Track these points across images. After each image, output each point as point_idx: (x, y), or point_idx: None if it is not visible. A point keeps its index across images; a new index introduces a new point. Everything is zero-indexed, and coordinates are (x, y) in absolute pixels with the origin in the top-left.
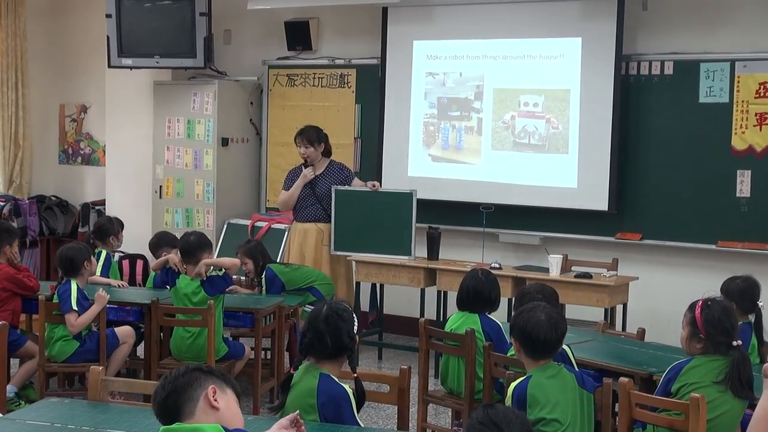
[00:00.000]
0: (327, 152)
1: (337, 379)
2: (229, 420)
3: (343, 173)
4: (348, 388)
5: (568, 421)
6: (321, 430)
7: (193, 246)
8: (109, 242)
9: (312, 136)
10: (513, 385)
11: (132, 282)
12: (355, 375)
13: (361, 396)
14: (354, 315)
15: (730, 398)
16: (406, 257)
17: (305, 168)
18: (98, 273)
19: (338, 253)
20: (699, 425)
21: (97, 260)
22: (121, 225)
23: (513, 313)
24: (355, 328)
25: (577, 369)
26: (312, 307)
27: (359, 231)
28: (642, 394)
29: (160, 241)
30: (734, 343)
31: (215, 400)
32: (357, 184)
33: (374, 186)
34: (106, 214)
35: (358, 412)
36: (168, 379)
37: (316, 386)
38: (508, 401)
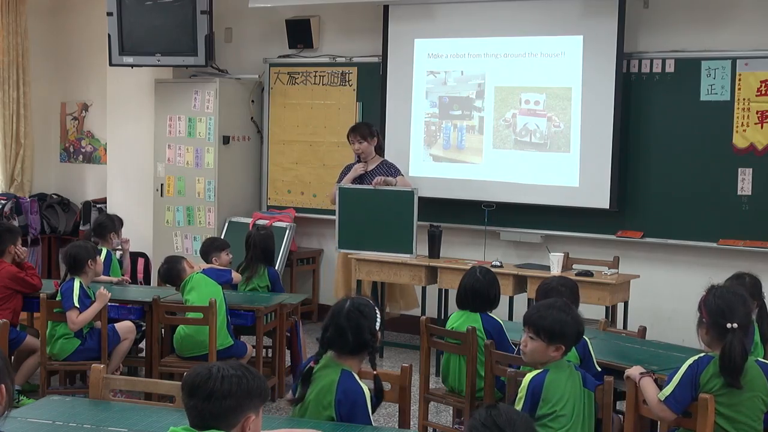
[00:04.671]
0: (380, 150)
1: (357, 377)
2: None
3: (391, 170)
4: (366, 388)
5: (573, 418)
6: (334, 429)
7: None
8: (108, 239)
9: (364, 131)
10: (530, 376)
11: (133, 280)
12: (375, 373)
13: (379, 394)
14: (377, 312)
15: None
16: (408, 255)
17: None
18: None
19: (342, 251)
20: (707, 425)
21: None
22: (120, 222)
23: (534, 307)
24: (377, 325)
25: (595, 360)
26: None
27: (362, 229)
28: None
29: (211, 247)
30: (729, 325)
31: (249, 428)
32: (401, 183)
33: (378, 183)
34: (107, 212)
35: (374, 412)
36: (218, 390)
37: (337, 381)
38: (523, 391)
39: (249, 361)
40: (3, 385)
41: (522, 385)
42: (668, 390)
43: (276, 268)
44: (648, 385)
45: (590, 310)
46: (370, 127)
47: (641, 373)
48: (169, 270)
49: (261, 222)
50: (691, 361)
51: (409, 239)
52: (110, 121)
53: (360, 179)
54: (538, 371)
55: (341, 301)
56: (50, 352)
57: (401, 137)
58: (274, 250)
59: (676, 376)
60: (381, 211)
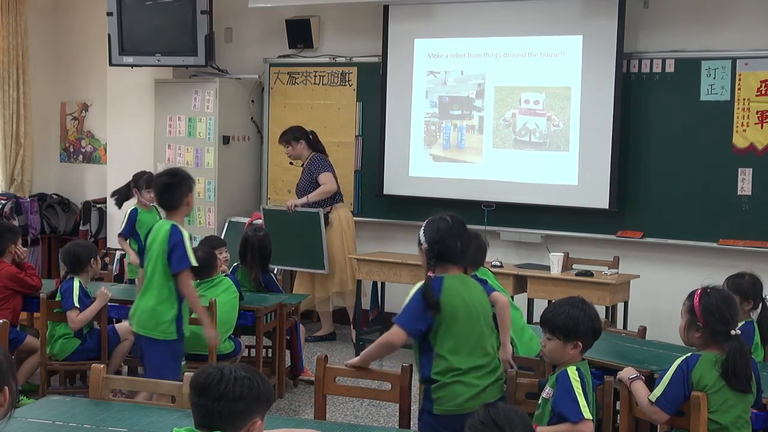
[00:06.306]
0: (315, 148)
1: None
2: None
3: (313, 166)
4: None
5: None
6: (335, 429)
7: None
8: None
9: (287, 136)
10: (577, 375)
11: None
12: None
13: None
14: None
15: (728, 391)
16: (322, 271)
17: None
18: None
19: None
20: (700, 423)
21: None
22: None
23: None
24: None
25: None
26: None
27: (283, 246)
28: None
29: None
30: (732, 332)
31: None
32: (323, 180)
33: (290, 207)
34: (107, 212)
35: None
36: (230, 392)
37: (477, 283)
38: (580, 389)
39: (248, 362)
40: (6, 387)
41: (588, 383)
42: (658, 391)
43: (275, 269)
44: (639, 388)
45: None
46: (295, 131)
47: (631, 378)
48: (206, 259)
49: (257, 221)
50: (680, 361)
51: (320, 257)
52: (110, 121)
53: (300, 175)
54: (575, 366)
55: (440, 220)
56: (50, 352)
57: (401, 137)
58: (270, 253)
59: (665, 377)
60: (296, 230)
